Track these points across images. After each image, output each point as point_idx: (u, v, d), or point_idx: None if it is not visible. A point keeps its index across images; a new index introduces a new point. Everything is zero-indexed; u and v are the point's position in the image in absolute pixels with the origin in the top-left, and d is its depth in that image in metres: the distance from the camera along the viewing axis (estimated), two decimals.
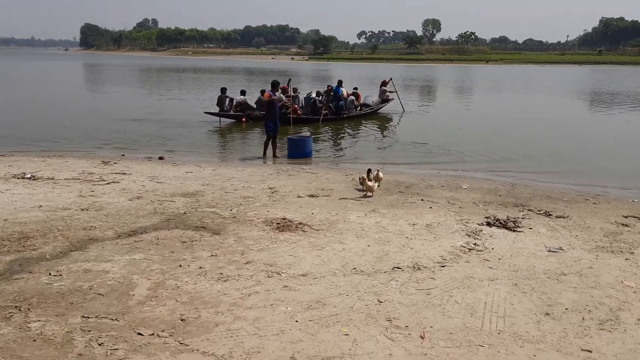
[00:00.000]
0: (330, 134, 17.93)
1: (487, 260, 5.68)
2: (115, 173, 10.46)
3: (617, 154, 14.86)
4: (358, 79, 47.00)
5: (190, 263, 5.37)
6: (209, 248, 5.85)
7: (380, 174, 9.58)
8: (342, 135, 17.81)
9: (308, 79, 51.53)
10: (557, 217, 7.81)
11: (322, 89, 21.70)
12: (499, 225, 7.16)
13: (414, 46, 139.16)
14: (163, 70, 70.24)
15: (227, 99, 19.92)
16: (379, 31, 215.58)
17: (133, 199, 8.19)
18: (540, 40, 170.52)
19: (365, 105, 21.74)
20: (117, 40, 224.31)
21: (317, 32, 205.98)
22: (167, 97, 30.44)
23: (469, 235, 6.61)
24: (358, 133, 18.25)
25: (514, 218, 7.58)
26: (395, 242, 6.23)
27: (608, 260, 5.81)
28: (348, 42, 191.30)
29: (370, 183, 8.79)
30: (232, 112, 19.65)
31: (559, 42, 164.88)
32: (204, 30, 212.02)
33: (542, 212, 8.06)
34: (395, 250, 5.93)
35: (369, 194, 8.83)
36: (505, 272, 5.33)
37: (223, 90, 20.00)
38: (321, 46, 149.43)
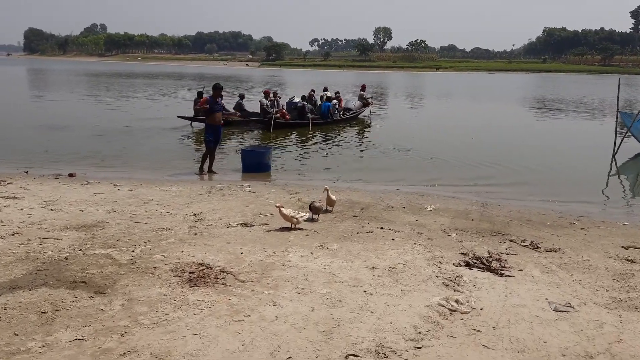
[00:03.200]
0: (306, 142, 16.66)
1: (478, 330, 4.06)
2: (3, 197, 8.33)
3: (569, 160, 13.76)
4: (312, 85, 45.40)
5: (34, 359, 3.48)
6: (78, 323, 3.97)
7: (332, 196, 7.90)
8: (322, 143, 16.51)
9: (261, 84, 49.53)
10: (547, 250, 6.33)
11: (305, 93, 21.28)
12: (482, 266, 5.59)
13: (366, 53, 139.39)
14: (104, 75, 66.58)
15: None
16: (332, 39, 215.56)
17: (5, 237, 6.17)
18: (487, 49, 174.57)
19: (348, 109, 21.39)
20: (62, 45, 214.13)
21: (269, 39, 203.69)
22: (109, 103, 27.89)
23: (447, 285, 4.99)
24: (335, 140, 17.05)
25: (497, 255, 6.03)
26: (349, 302, 4.53)
27: (637, 322, 4.30)
28: (301, 49, 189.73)
29: (286, 211, 6.90)
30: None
31: (505, 50, 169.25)
32: (154, 35, 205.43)
33: (527, 243, 6.57)
34: (349, 317, 4.23)
35: (293, 225, 6.98)
36: (508, 353, 3.71)
37: (200, 94, 18.35)
38: (274, 53, 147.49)
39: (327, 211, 7.87)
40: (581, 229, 7.55)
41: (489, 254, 6.07)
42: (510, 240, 6.72)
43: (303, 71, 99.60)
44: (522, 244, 6.57)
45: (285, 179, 11.21)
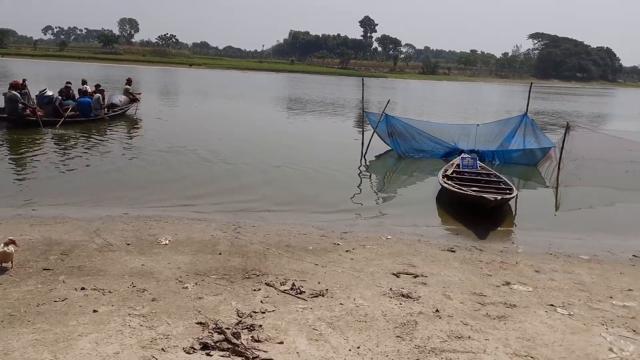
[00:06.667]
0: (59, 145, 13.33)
1: None
2: None
3: (323, 163, 12.98)
4: (47, 78, 38.45)
5: None
6: None
7: (8, 249, 5.12)
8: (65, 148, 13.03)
9: None
10: (312, 295, 4.82)
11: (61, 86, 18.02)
12: (226, 348, 3.73)
13: (111, 45, 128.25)
14: None
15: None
16: (70, 27, 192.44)
17: None
18: (239, 48, 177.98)
19: (113, 105, 18.75)
20: None
21: None
22: None
23: None
24: (88, 144, 13.83)
25: (249, 316, 4.27)
26: None
27: None
28: (31, 37, 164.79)
29: None
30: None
31: (256, 50, 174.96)
32: None
33: (288, 287, 4.98)
34: None
35: None
36: None
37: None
38: None
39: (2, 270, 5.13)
40: (347, 251, 6.35)
41: (238, 317, 4.27)
42: (268, 285, 5.06)
43: (34, 62, 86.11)
44: (282, 289, 4.95)
45: None
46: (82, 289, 4.75)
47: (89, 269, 5.30)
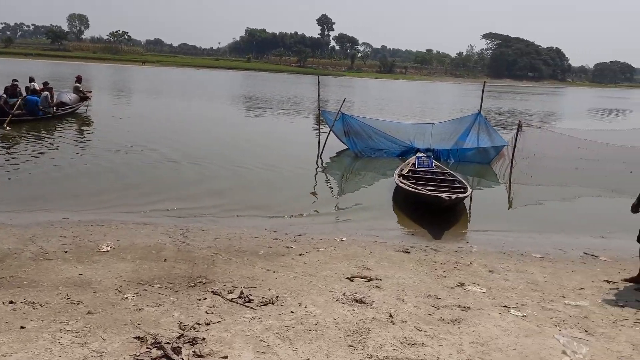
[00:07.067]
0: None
1: None
2: None
3: (279, 162, 12.69)
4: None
5: None
6: None
7: None
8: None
9: None
10: (262, 304, 4.59)
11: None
12: None
13: (59, 42, 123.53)
14: None
15: None
16: (16, 23, 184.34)
17: None
18: (195, 45, 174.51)
19: (63, 103, 18.09)
20: None
21: None
22: None
23: None
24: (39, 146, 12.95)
25: (192, 328, 4.01)
26: None
27: None
28: None
29: None
30: None
31: (212, 48, 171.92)
32: None
33: (236, 295, 4.74)
34: None
35: None
36: None
37: None
38: None
39: None
40: (300, 255, 6.15)
41: (181, 330, 4.00)
42: (214, 293, 4.79)
43: None
44: (230, 297, 4.70)
45: None
46: (11, 302, 4.37)
47: (20, 280, 4.90)
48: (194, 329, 4.05)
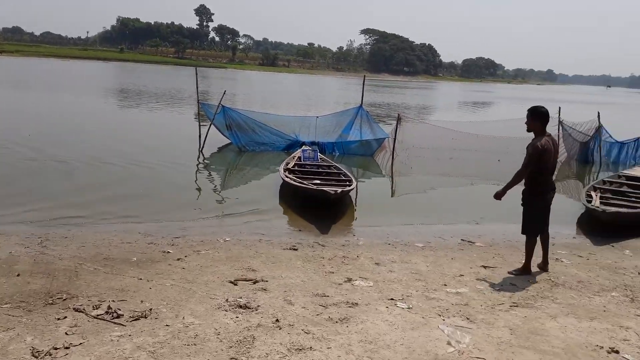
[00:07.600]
0: None
1: None
2: None
3: (157, 157, 12.00)
4: None
5: None
6: None
7: None
8: None
9: None
10: (132, 318, 4.09)
11: None
12: None
13: None
14: None
15: None
16: None
17: None
18: (60, 35, 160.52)
19: None
20: None
21: None
22: None
23: None
24: None
25: (47, 356, 3.42)
26: None
27: None
28: None
29: None
30: None
31: (79, 37, 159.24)
32: None
33: (103, 311, 4.17)
34: None
35: None
36: None
37: None
38: None
39: None
40: (178, 259, 5.66)
41: (34, 357, 3.41)
42: (76, 310, 4.19)
43: None
44: (95, 314, 4.13)
45: None
46: None
47: None
48: (50, 355, 3.47)
